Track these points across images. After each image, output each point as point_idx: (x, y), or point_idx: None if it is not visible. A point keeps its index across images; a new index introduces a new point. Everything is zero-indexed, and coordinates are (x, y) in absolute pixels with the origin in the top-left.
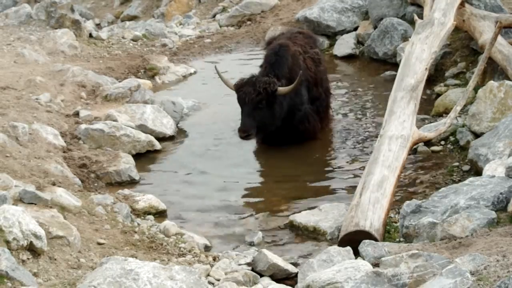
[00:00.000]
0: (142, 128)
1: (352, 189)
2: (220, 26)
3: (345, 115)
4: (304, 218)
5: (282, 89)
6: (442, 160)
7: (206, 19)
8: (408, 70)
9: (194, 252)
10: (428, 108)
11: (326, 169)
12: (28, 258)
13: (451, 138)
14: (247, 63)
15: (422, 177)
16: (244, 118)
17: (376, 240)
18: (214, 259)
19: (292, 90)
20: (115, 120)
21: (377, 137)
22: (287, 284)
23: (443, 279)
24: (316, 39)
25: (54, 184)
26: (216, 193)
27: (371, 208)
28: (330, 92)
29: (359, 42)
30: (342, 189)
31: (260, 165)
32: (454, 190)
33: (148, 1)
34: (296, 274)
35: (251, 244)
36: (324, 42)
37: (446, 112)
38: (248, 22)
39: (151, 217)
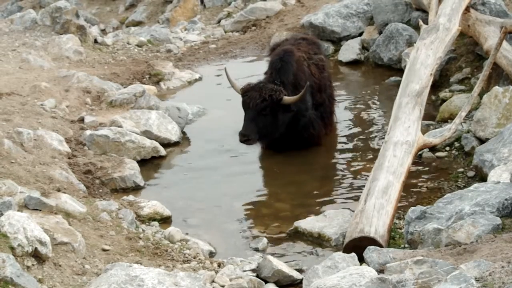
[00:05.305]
0: (147, 134)
1: (357, 195)
2: (225, 32)
3: (349, 121)
4: (309, 224)
5: (287, 99)
6: (447, 166)
7: (211, 24)
8: (413, 76)
9: (199, 259)
10: (433, 114)
11: (331, 175)
12: (33, 265)
13: (456, 144)
14: (252, 68)
15: (427, 183)
16: (246, 122)
17: (381, 246)
18: (219, 266)
19: (298, 100)
20: (120, 126)
21: (382, 143)
22: None
23: (448, 286)
24: (320, 45)
25: (59, 190)
26: (221, 199)
27: (376, 214)
28: (334, 98)
29: (364, 47)
30: (347, 195)
31: (265, 171)
32: (459, 196)
33: (153, 7)
34: (301, 281)
35: (256, 250)
36: (329, 47)
37: (451, 118)
38: (253, 28)
39: (156, 223)
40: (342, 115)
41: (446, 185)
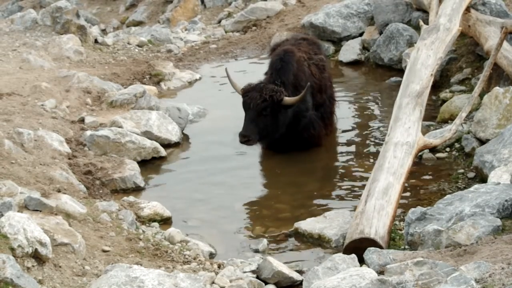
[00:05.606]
0: (148, 134)
1: (357, 196)
2: (226, 32)
3: (349, 121)
4: (309, 225)
5: (288, 99)
6: (447, 167)
7: (212, 24)
8: (414, 76)
9: (199, 260)
10: (434, 114)
11: (331, 176)
12: (33, 266)
13: (456, 145)
14: (252, 68)
15: (427, 184)
16: (246, 123)
17: (381, 247)
18: (219, 267)
19: (298, 101)
20: (121, 127)
21: (382, 143)
22: None
23: (448, 287)
24: (320, 45)
25: (59, 191)
26: (221, 200)
27: (376, 215)
28: (335, 98)
29: (365, 47)
30: (347, 196)
31: (265, 172)
32: (459, 197)
33: (154, 7)
34: (301, 282)
35: (256, 251)
36: (329, 47)
37: (451, 118)
38: (254, 28)
39: (156, 224)
40: (343, 116)
41: (447, 186)
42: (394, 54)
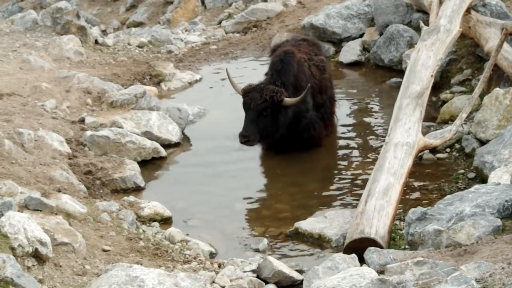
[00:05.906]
0: (148, 135)
1: (357, 196)
2: (226, 33)
3: (350, 122)
4: (309, 225)
5: (288, 100)
6: (447, 168)
7: (212, 25)
8: (414, 77)
9: (199, 259)
10: (434, 115)
11: (331, 176)
12: (33, 265)
13: (457, 146)
14: (252, 69)
15: (427, 185)
16: (247, 123)
17: (381, 247)
18: (219, 266)
19: (299, 102)
20: (121, 127)
21: (382, 144)
22: None
23: (449, 287)
24: (320, 46)
25: (59, 191)
26: (221, 200)
27: (376, 215)
28: (335, 99)
29: (365, 49)
30: (347, 196)
31: (265, 172)
32: (460, 198)
33: (154, 8)
34: (301, 281)
35: (257, 251)
36: (330, 49)
37: (451, 119)
38: (254, 29)
39: (156, 224)
40: (343, 116)
41: (447, 186)
42: (394, 55)
